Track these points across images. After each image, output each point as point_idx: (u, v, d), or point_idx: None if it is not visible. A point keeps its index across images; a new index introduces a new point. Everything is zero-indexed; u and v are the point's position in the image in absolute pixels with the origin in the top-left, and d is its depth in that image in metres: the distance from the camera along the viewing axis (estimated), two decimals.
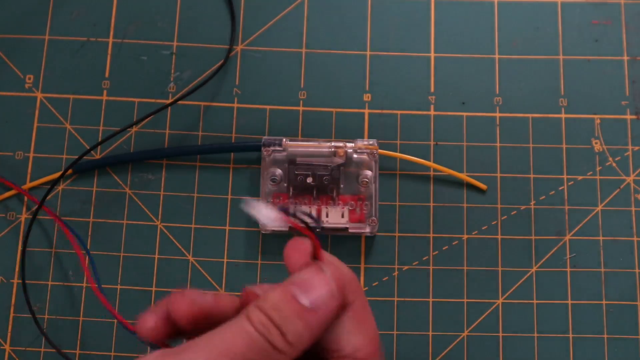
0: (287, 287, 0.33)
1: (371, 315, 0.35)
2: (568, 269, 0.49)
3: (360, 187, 0.50)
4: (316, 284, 0.33)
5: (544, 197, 0.51)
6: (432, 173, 0.51)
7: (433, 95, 0.52)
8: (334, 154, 0.50)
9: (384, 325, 0.48)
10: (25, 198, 0.50)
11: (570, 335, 0.48)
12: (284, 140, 0.50)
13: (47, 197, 0.50)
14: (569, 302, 0.49)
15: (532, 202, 0.51)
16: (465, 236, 0.50)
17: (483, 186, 0.51)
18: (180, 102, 0.52)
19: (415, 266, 0.50)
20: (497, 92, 0.53)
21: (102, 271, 0.49)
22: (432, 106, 0.52)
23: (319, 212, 0.49)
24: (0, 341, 0.48)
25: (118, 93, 0.52)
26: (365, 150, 0.50)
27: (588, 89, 0.53)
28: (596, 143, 0.52)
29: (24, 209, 0.50)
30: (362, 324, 0.34)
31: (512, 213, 0.50)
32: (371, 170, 0.50)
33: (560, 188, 0.51)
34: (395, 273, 0.49)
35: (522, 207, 0.50)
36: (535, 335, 0.48)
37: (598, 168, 0.51)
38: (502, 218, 0.50)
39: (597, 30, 0.54)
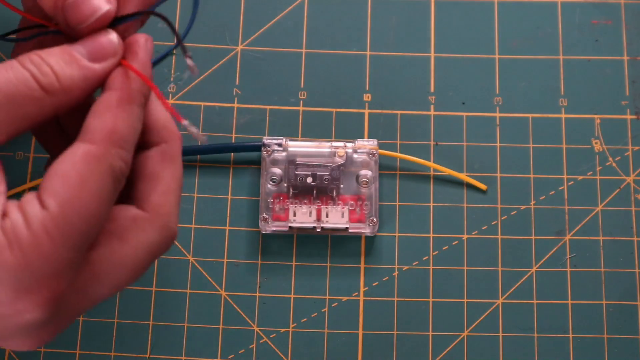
0: (67, 45, 0.33)
1: (129, 122, 0.33)
2: (568, 269, 0.49)
3: (360, 187, 0.50)
4: (101, 45, 0.33)
5: (544, 197, 0.51)
6: (432, 173, 0.51)
7: (433, 95, 0.52)
8: (334, 154, 0.50)
9: (384, 325, 0.48)
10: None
11: (570, 335, 0.48)
12: (284, 140, 0.50)
13: None
14: (569, 302, 0.49)
15: (532, 202, 0.51)
16: (465, 236, 0.50)
17: (483, 186, 0.51)
18: (180, 102, 0.52)
19: (415, 266, 0.50)
20: (497, 92, 0.53)
21: None
22: (432, 106, 0.52)
23: (319, 212, 0.49)
24: None
25: None
26: (365, 150, 0.50)
27: (588, 89, 0.53)
28: (596, 143, 0.52)
29: None
30: (110, 112, 0.33)
31: (512, 213, 0.50)
32: (371, 170, 0.50)
33: (560, 188, 0.51)
34: (395, 273, 0.49)
35: (522, 207, 0.50)
36: (535, 335, 0.48)
37: (598, 168, 0.51)
38: (502, 218, 0.50)
39: (597, 30, 0.54)
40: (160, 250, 0.34)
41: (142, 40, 0.34)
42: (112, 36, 0.34)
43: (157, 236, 0.34)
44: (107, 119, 0.32)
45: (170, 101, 0.52)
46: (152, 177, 0.34)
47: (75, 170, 0.31)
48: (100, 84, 0.33)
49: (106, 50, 0.33)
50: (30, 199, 0.31)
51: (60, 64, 0.32)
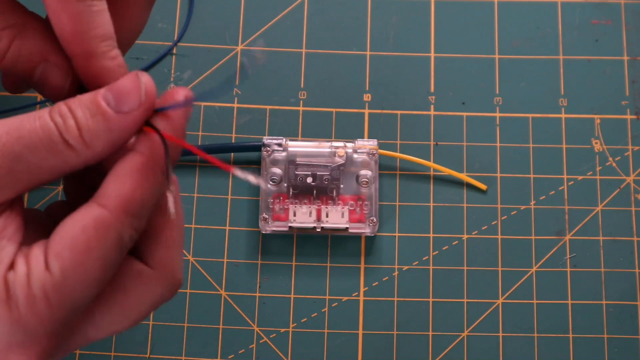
0: (100, 90, 0.32)
1: (149, 191, 0.32)
2: (568, 269, 0.49)
3: (360, 187, 0.49)
4: (126, 88, 0.31)
5: (544, 197, 0.51)
6: (432, 173, 0.51)
7: (433, 95, 0.52)
8: (334, 154, 0.50)
9: (384, 325, 0.48)
10: (26, 198, 0.50)
11: (570, 335, 0.48)
12: (284, 140, 0.50)
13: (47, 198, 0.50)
14: (569, 302, 0.49)
15: (532, 202, 0.51)
16: (465, 236, 0.50)
17: (483, 186, 0.51)
18: None
19: (415, 266, 0.50)
20: (497, 92, 0.53)
21: None
22: (432, 106, 0.52)
23: (319, 212, 0.49)
24: None
25: None
26: (365, 150, 0.50)
27: (588, 89, 0.53)
28: (596, 143, 0.52)
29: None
30: (130, 178, 0.31)
31: (512, 213, 0.50)
32: (371, 170, 0.50)
33: (560, 188, 0.51)
34: (395, 273, 0.49)
35: (522, 207, 0.50)
36: (535, 335, 0.48)
37: (598, 168, 0.51)
38: (502, 218, 0.50)
39: (597, 30, 0.54)
40: (163, 301, 0.34)
41: (180, 97, 0.32)
42: (141, 79, 0.32)
43: (162, 290, 0.33)
44: (125, 185, 0.31)
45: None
46: (156, 232, 0.33)
47: (84, 235, 0.30)
48: (126, 137, 0.31)
49: (130, 96, 0.31)
50: (37, 254, 0.31)
51: (85, 116, 0.31)
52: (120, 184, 0.31)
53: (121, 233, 0.31)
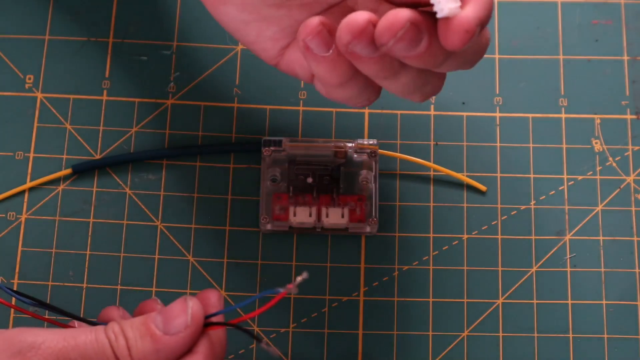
0: (151, 314, 0.35)
1: None
2: (568, 269, 0.49)
3: (360, 187, 0.50)
4: (174, 313, 0.34)
5: (544, 197, 0.51)
6: (432, 173, 0.51)
7: (433, 95, 0.52)
8: (334, 154, 0.50)
9: (384, 325, 0.48)
10: (26, 198, 0.50)
11: (570, 335, 0.48)
12: (284, 140, 0.50)
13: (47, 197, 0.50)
14: (569, 302, 0.49)
15: (532, 202, 0.51)
16: (465, 236, 0.50)
17: (483, 187, 0.51)
18: (180, 102, 0.52)
19: (415, 266, 0.50)
20: (497, 92, 0.53)
21: (102, 271, 0.49)
22: (432, 106, 0.52)
23: (319, 212, 0.49)
24: None
25: (118, 93, 0.52)
26: (365, 150, 0.50)
27: (588, 89, 0.53)
28: (596, 143, 0.52)
29: (24, 209, 0.50)
30: None
31: (512, 213, 0.50)
32: (371, 170, 0.50)
33: (560, 188, 0.51)
34: (395, 273, 0.49)
35: (522, 207, 0.50)
36: (535, 335, 0.48)
37: (598, 168, 0.51)
38: (502, 218, 0.50)
39: (597, 30, 0.54)
40: None
41: (214, 299, 0.37)
42: (188, 304, 0.35)
43: None
44: None
45: (170, 101, 0.52)
46: None
47: None
48: (174, 357, 0.34)
49: (178, 320, 0.34)
50: None
51: (135, 337, 0.34)
52: None
53: None
